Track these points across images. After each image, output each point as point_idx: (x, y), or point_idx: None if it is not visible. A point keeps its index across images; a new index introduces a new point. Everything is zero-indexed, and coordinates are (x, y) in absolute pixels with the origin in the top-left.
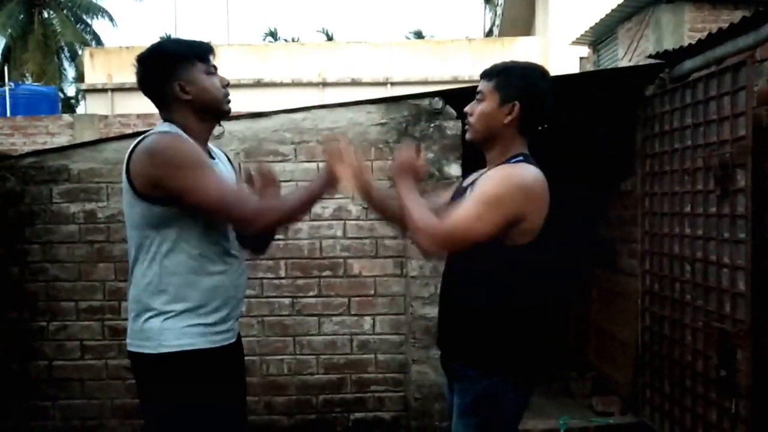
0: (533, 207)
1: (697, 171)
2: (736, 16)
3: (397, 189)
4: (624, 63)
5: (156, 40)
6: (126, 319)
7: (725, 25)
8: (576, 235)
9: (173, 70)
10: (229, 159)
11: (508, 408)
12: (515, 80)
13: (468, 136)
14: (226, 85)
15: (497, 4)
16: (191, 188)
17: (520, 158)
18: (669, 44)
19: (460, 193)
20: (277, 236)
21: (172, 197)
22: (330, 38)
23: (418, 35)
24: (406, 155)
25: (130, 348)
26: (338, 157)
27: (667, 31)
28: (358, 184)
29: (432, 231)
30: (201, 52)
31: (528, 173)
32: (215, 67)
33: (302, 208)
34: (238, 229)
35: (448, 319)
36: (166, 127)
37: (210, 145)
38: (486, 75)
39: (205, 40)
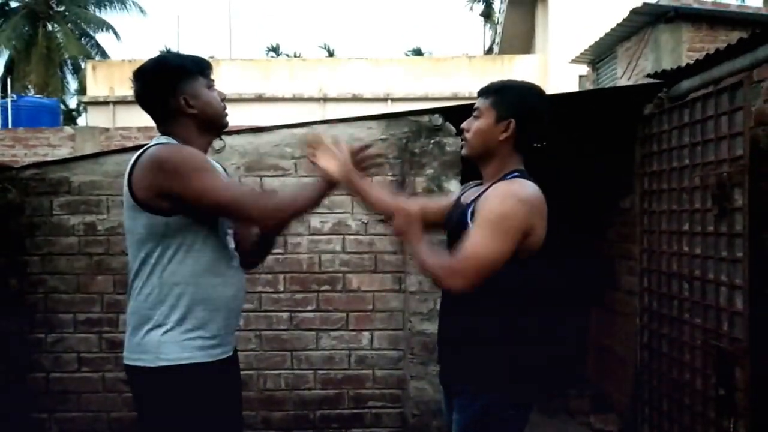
0: (537, 218)
1: (695, 190)
2: (734, 36)
3: (410, 248)
4: (623, 82)
5: (157, 54)
6: (124, 332)
7: (723, 46)
8: (575, 253)
9: (178, 84)
10: (226, 172)
11: (507, 425)
12: (512, 98)
13: (464, 151)
14: (224, 98)
15: (497, 22)
16: (203, 191)
17: (516, 174)
18: (667, 64)
19: (458, 209)
20: (275, 250)
21: (181, 205)
22: (331, 54)
23: (417, 52)
24: (410, 213)
25: (127, 361)
26: (321, 149)
27: (666, 50)
28: (342, 171)
29: (453, 270)
30: (203, 66)
31: (525, 187)
32: (213, 81)
33: (311, 206)
34: (253, 225)
35: (448, 335)
36: (164, 139)
37: (208, 158)
38: (483, 92)
39: (207, 54)
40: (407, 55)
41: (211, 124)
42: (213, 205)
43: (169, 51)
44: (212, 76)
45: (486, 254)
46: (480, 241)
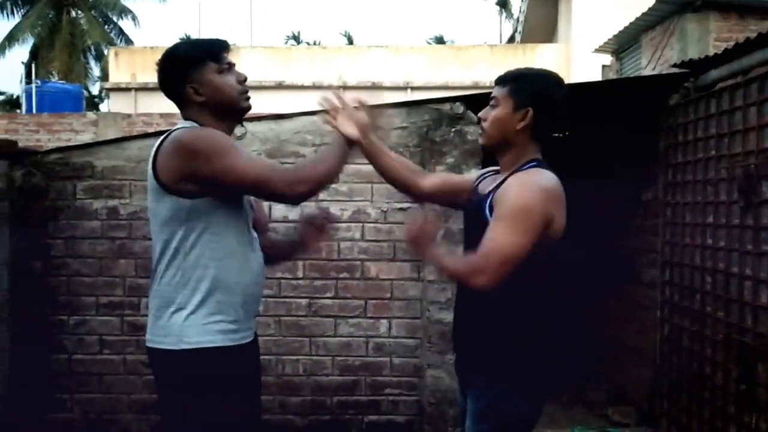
0: (556, 208)
1: (720, 181)
2: (764, 26)
3: (428, 259)
4: (647, 72)
5: (177, 41)
6: (145, 315)
7: (752, 35)
8: (595, 244)
9: (185, 73)
10: None
11: (520, 415)
12: (529, 86)
13: (481, 141)
14: (243, 80)
15: (520, 11)
16: (226, 170)
17: (534, 164)
18: (694, 54)
19: (475, 198)
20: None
21: (208, 186)
22: (351, 41)
23: (439, 41)
24: (421, 227)
25: (150, 344)
26: (335, 108)
27: (692, 40)
28: (360, 133)
29: (477, 268)
30: (212, 51)
31: (544, 177)
32: (230, 64)
33: (337, 167)
34: (280, 200)
35: (463, 325)
36: (188, 124)
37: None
38: (500, 81)
39: (226, 40)
40: (429, 43)
41: (225, 110)
42: (239, 183)
43: (188, 38)
44: (229, 59)
45: (507, 248)
46: (501, 236)
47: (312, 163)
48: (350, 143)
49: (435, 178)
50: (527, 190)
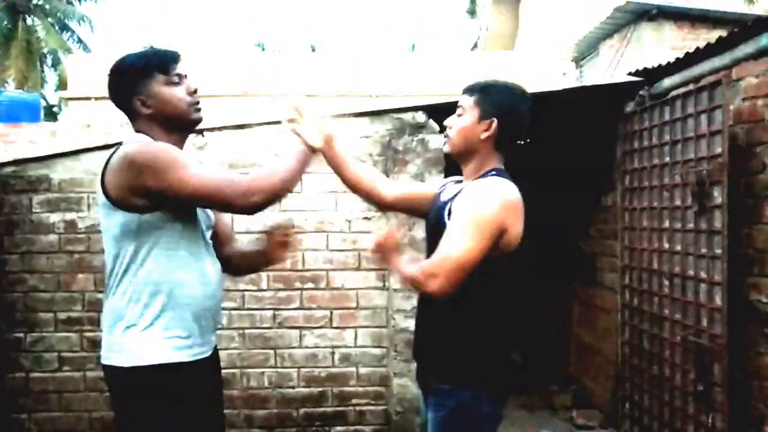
0: (513, 218)
1: (675, 187)
2: (715, 34)
3: (392, 268)
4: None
5: (140, 48)
6: None
7: (704, 44)
8: (557, 249)
9: (133, 86)
10: None
11: (482, 421)
12: (496, 98)
13: (445, 148)
14: (194, 92)
15: (481, 19)
16: (178, 183)
17: (495, 173)
18: (650, 61)
19: (436, 206)
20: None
21: (160, 200)
22: (315, 51)
23: (414, 48)
24: (384, 238)
25: (105, 361)
26: (300, 115)
27: (649, 48)
28: (324, 142)
29: (431, 272)
30: (160, 63)
31: (503, 187)
32: (180, 76)
33: (295, 176)
34: (234, 211)
35: (424, 333)
36: (138, 137)
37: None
38: (468, 90)
39: (189, 50)
40: (411, 51)
41: (174, 122)
42: (191, 195)
43: (151, 48)
44: (179, 70)
45: (460, 255)
46: (455, 242)
47: (268, 172)
48: (312, 152)
49: (398, 188)
50: (484, 198)
